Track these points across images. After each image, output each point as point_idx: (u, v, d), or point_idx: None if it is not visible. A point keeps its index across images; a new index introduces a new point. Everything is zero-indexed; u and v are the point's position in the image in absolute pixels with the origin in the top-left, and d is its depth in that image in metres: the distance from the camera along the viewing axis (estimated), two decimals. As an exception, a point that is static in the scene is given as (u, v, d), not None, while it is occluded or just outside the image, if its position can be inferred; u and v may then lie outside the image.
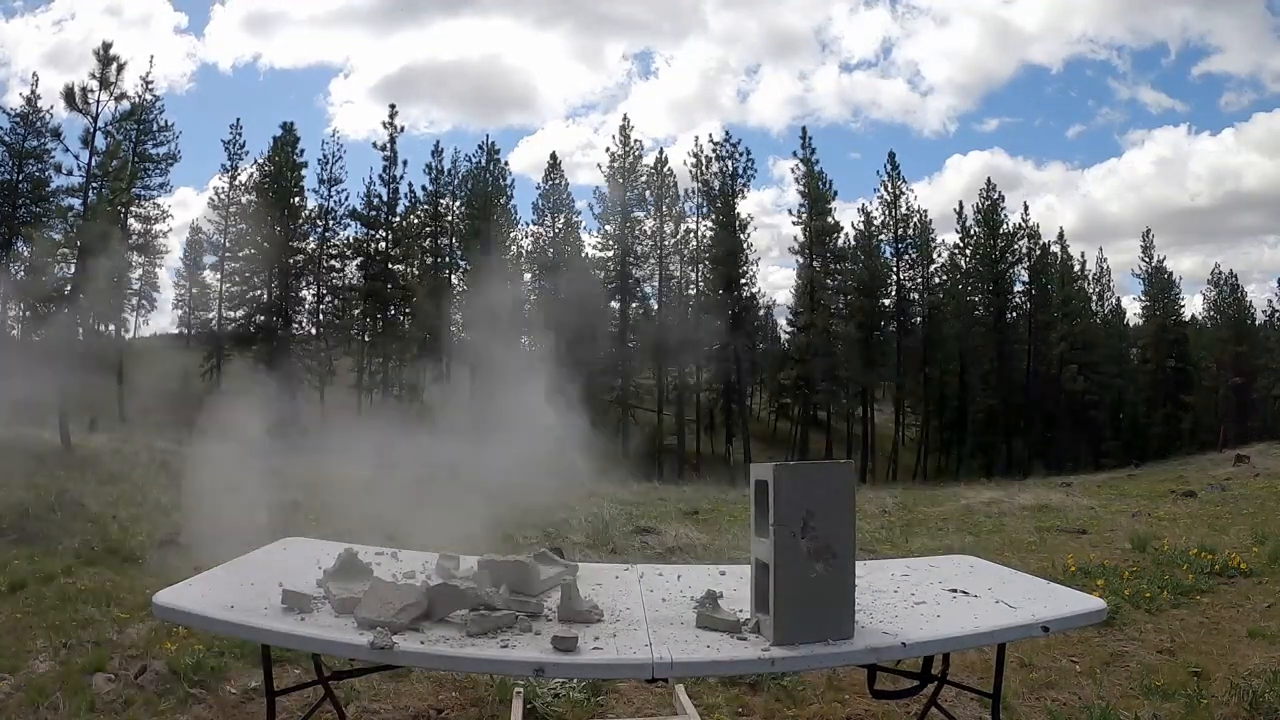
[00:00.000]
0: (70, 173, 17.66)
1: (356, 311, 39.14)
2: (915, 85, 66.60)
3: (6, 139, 33.52)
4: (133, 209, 34.16)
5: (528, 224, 42.72)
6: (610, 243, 39.93)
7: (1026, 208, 60.15)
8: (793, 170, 40.41)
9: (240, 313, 37.46)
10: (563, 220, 41.64)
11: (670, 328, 39.34)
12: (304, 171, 37.47)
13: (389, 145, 38.14)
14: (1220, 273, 43.67)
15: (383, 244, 38.21)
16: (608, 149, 40.93)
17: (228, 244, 37.59)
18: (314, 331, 39.24)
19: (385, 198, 38.21)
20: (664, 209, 39.90)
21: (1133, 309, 45.36)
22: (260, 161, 37.38)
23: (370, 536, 3.37)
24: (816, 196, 39.72)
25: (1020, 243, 40.82)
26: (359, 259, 38.60)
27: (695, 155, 39.93)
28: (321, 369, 37.52)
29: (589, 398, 39.84)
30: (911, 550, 7.95)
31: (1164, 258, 43.01)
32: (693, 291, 40.42)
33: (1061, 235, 43.12)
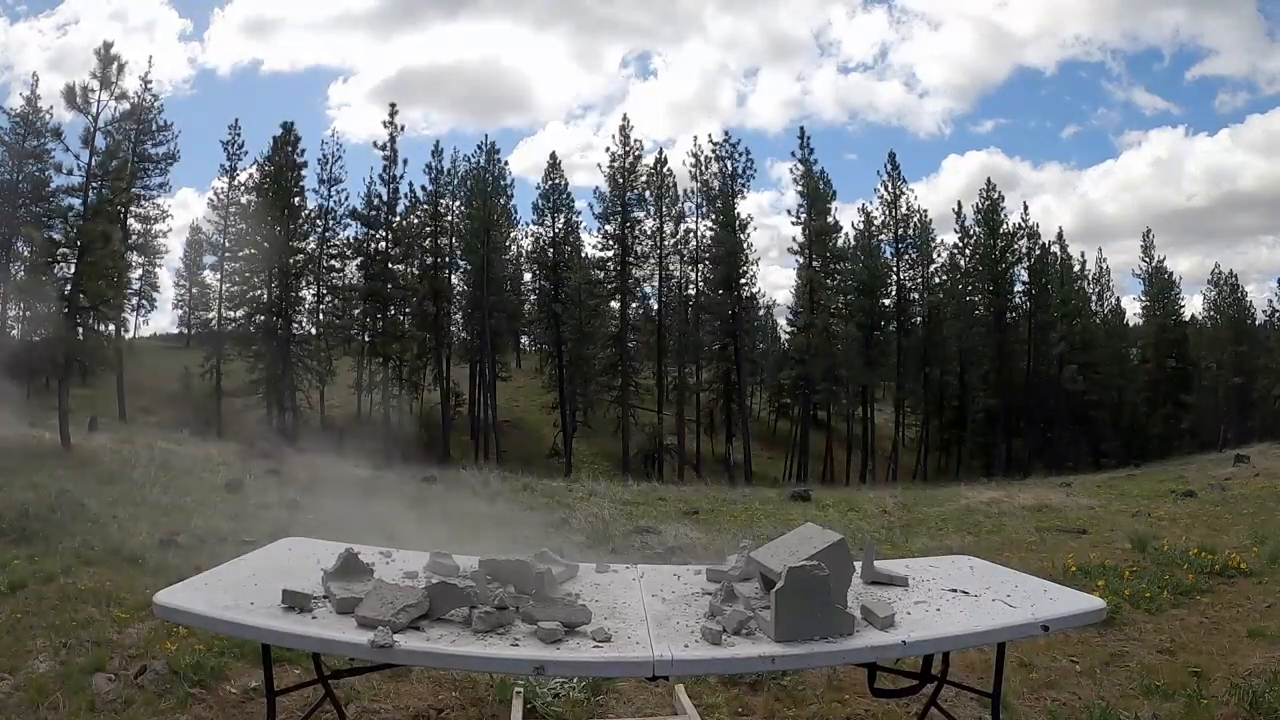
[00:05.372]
0: (70, 173, 17.63)
1: (356, 311, 39.12)
2: (911, 87, 66.87)
3: (7, 139, 33.56)
4: (133, 209, 34.16)
5: (528, 224, 42.76)
6: (610, 243, 39.93)
7: (1026, 208, 60.22)
8: (792, 171, 40.45)
9: (240, 313, 37.45)
10: (563, 220, 41.66)
11: (670, 328, 39.36)
12: (304, 172, 37.50)
13: (389, 145, 38.18)
14: (1220, 273, 43.70)
15: (383, 244, 38.21)
16: (607, 149, 41.01)
17: (227, 244, 37.62)
18: (314, 331, 39.22)
19: (385, 198, 38.23)
20: (664, 209, 39.90)
21: (1132, 309, 45.43)
22: (260, 162, 37.41)
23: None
24: (816, 197, 39.71)
25: (1020, 243, 40.83)
26: (359, 259, 38.60)
27: (695, 155, 39.97)
28: (321, 369, 37.51)
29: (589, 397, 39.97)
30: (911, 550, 7.95)
31: (1164, 258, 43.07)
32: (692, 291, 40.41)
33: (1060, 235, 43.18)
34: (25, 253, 28.66)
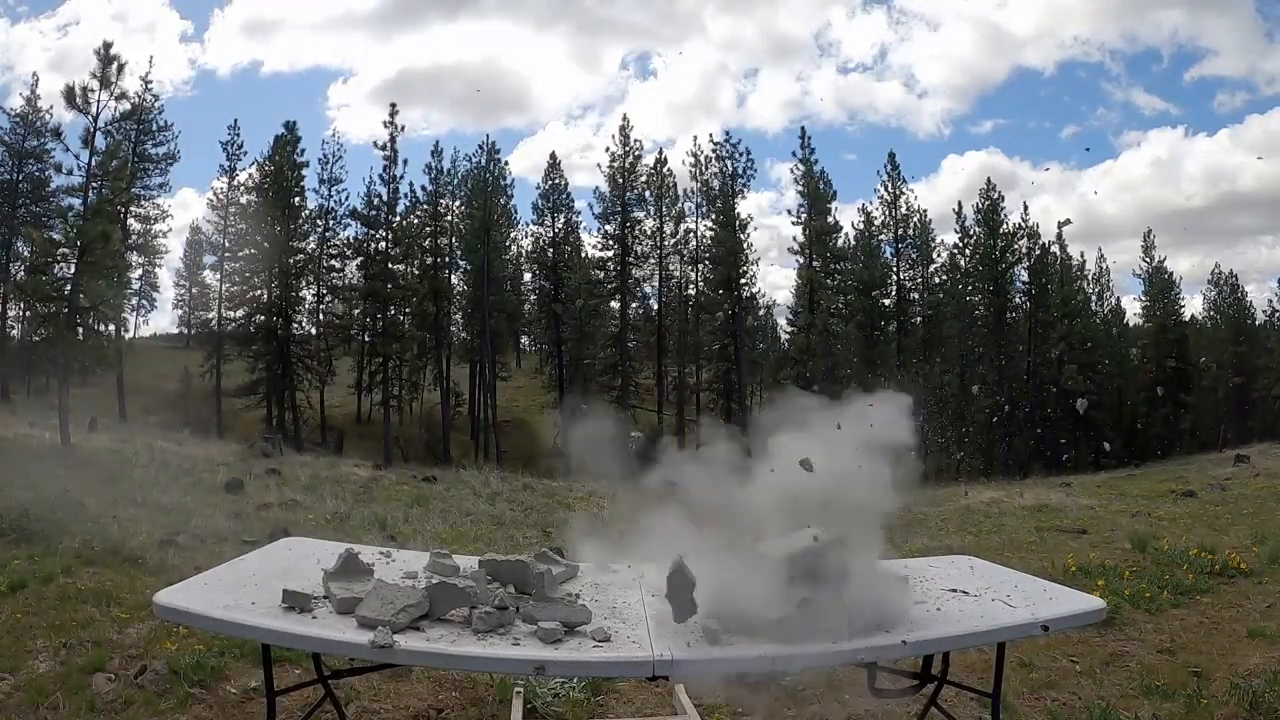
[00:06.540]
0: (70, 173, 17.69)
1: (356, 311, 39.13)
2: (911, 88, 66.81)
3: (6, 139, 33.56)
4: (133, 209, 34.17)
5: (528, 224, 42.77)
6: (610, 243, 39.95)
7: (1026, 207, 60.03)
8: (792, 171, 40.40)
9: (240, 313, 37.43)
10: (563, 220, 41.67)
11: (670, 328, 39.37)
12: (304, 172, 37.47)
13: (389, 144, 38.11)
14: (1220, 273, 43.67)
15: (383, 244, 38.19)
16: (607, 149, 40.93)
17: (227, 244, 37.60)
18: (314, 331, 39.23)
19: (385, 198, 38.20)
20: (664, 209, 39.91)
21: (1133, 309, 45.35)
22: (260, 162, 37.40)
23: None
24: (816, 197, 39.70)
25: (1020, 242, 40.82)
26: (359, 259, 38.58)
27: (694, 155, 39.96)
28: (321, 369, 37.52)
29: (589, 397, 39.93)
30: (911, 550, 7.94)
31: (1164, 258, 43.03)
32: (692, 291, 40.42)
33: (1060, 235, 43.13)
34: (25, 253, 28.69)
